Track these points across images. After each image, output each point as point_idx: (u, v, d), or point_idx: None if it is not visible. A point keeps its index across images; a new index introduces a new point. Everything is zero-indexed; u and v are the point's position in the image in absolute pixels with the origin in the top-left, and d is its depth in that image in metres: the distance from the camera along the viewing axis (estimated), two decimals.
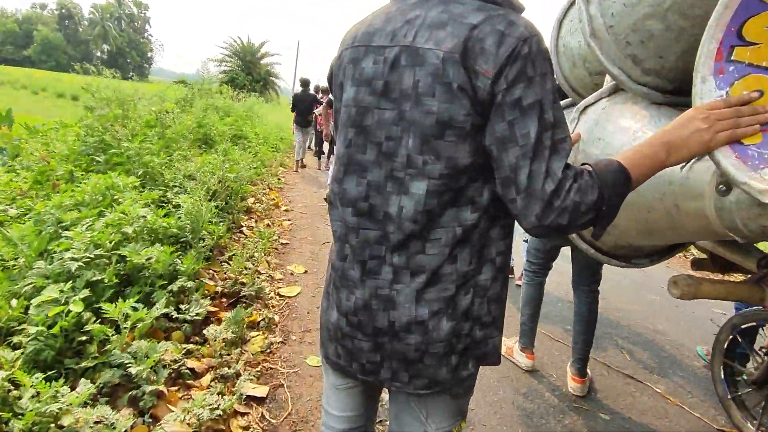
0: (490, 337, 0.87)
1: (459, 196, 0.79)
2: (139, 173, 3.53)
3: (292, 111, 8.90)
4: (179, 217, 2.97)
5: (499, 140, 0.74)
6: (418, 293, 0.81)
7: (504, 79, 0.72)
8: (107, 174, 3.28)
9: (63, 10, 65.81)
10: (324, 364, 1.03)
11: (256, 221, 4.53)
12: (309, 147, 10.41)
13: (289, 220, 4.93)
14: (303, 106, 8.66)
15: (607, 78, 1.70)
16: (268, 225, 4.54)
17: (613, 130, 1.38)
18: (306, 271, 3.54)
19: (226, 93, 11.00)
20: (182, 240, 2.94)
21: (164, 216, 2.87)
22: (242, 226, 4.16)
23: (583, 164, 0.80)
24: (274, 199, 5.73)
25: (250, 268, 3.21)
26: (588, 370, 2.40)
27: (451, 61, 0.74)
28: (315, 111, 8.75)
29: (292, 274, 3.46)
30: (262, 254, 3.58)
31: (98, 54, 69.56)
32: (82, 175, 3.61)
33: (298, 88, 9.04)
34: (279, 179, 7.04)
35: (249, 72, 27.91)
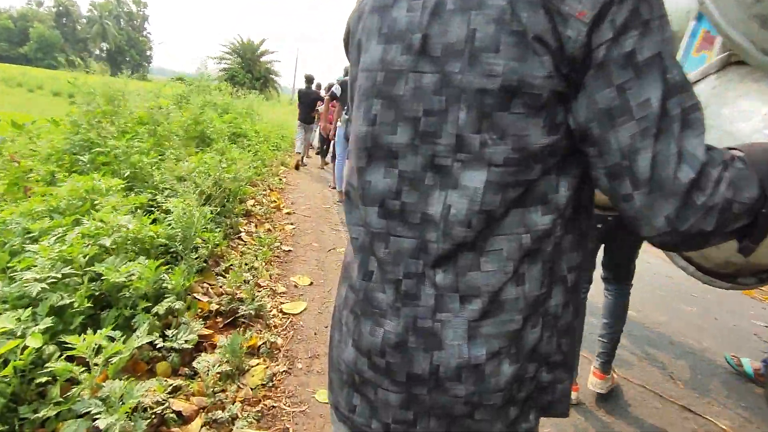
0: (559, 382, 0.64)
1: (529, 192, 0.57)
2: (126, 174, 3.18)
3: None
4: (169, 224, 2.63)
5: (603, 113, 0.52)
6: (472, 326, 0.58)
7: (609, 25, 0.50)
8: (89, 175, 2.94)
9: (60, 8, 65.38)
10: (333, 416, 0.72)
11: (255, 226, 4.19)
12: (311, 145, 10.22)
13: (291, 224, 4.59)
14: (306, 102, 8.67)
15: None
16: (269, 230, 4.20)
17: (732, 114, 1.04)
18: (311, 283, 3.20)
19: (225, 90, 10.66)
20: (172, 251, 2.59)
21: (151, 223, 2.53)
22: (240, 232, 3.82)
23: (729, 148, 0.57)
24: (275, 200, 5.39)
25: (249, 281, 2.87)
26: (614, 373, 2.20)
27: (525, 1, 0.51)
28: (318, 108, 8.59)
29: (296, 286, 3.12)
30: (263, 264, 3.25)
31: (97, 52, 69.21)
32: (64, 176, 3.28)
33: (301, 85, 8.92)
34: (280, 179, 6.70)
35: (249, 70, 27.54)
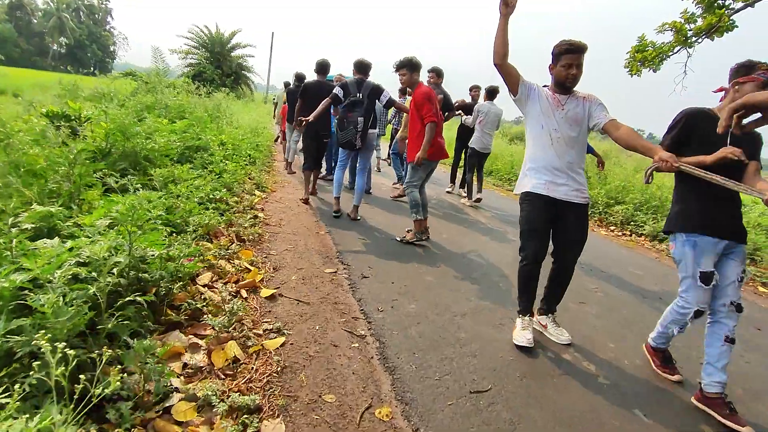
0: None
1: None
2: None
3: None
4: None
5: None
6: None
7: None
8: None
9: (13, 0, 60.64)
10: None
11: (208, 353, 2.13)
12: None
13: (277, 328, 2.53)
14: (294, 101, 7.14)
15: None
16: (234, 360, 2.14)
17: None
18: None
19: (183, 87, 8.45)
20: None
21: None
22: (172, 392, 1.76)
23: None
24: (248, 267, 3.32)
25: None
26: None
27: None
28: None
29: None
30: None
31: (55, 47, 64.64)
32: None
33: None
34: (255, 218, 4.60)
35: (218, 65, 24.92)
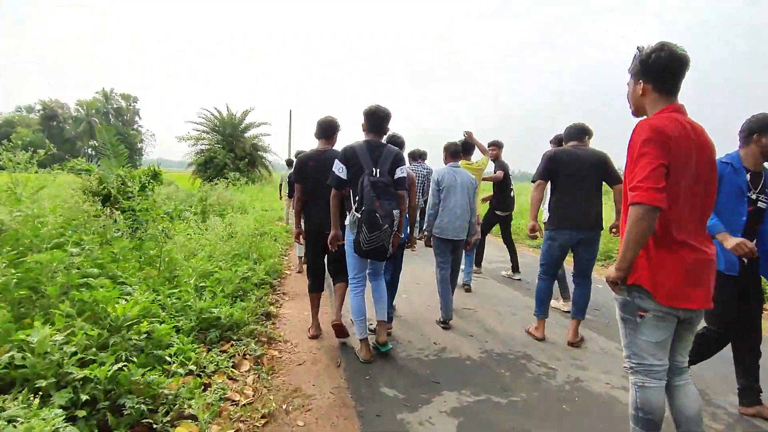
0: None
1: None
2: None
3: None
4: None
5: None
6: None
7: None
8: None
9: (46, 110, 63.27)
10: None
11: None
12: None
13: None
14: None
15: None
16: None
17: None
18: None
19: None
20: None
21: None
22: None
23: None
24: None
25: None
26: None
27: None
28: None
29: None
30: None
31: (85, 150, 66.43)
32: None
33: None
34: None
35: (231, 148, 22.46)
